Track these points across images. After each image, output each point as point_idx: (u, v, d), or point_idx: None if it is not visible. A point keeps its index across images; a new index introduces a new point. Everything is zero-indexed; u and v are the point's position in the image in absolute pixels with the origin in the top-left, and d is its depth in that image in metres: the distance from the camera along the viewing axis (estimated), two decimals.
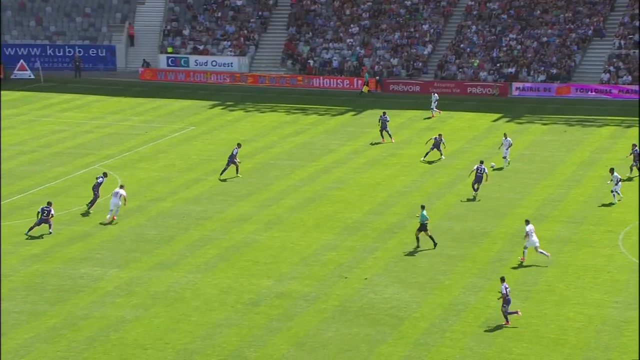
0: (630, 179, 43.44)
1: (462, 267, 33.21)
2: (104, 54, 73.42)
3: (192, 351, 26.87)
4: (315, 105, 61.73)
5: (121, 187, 38.30)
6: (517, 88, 65.68)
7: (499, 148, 47.25)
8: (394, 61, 69.52)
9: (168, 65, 71.78)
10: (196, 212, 39.29)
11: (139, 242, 35.82)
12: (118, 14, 76.22)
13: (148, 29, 75.62)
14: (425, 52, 69.95)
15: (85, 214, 38.79)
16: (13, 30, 74.11)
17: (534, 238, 32.94)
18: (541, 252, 33.12)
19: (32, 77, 69.31)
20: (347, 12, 74.09)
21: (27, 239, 35.76)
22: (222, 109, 61.65)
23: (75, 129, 54.88)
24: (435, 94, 59.59)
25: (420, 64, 69.03)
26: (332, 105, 62.23)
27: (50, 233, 36.23)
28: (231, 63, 71.52)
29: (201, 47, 72.87)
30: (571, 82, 65.59)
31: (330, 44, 71.75)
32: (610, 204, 39.90)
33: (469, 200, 40.74)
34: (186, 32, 74.42)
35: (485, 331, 28.15)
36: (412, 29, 71.79)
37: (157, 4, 76.99)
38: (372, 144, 51.38)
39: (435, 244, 34.73)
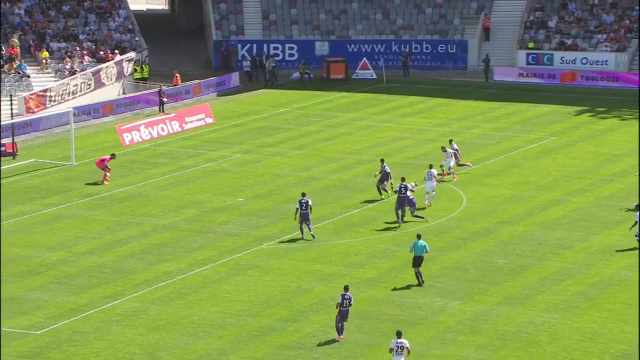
0: None
1: None
2: (453, 50, 74.31)
3: None
4: None
5: (430, 166, 42.92)
6: None
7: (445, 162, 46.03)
8: None
9: (528, 63, 71.09)
10: (554, 239, 38.48)
11: (485, 270, 35.62)
12: (474, 3, 76.57)
13: (506, 20, 75.32)
14: None
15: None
16: (358, 25, 76.44)
17: None
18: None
19: (374, 76, 71.83)
20: None
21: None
22: (591, 116, 59.92)
23: (418, 136, 55.98)
24: None
25: None
26: None
27: (313, 237, 37.91)
28: (606, 61, 69.31)
29: (569, 42, 71.31)
30: None
31: None
32: None
33: None
34: (552, 23, 73.19)
35: None
36: None
37: None
38: None
39: (422, 282, 34.08)
